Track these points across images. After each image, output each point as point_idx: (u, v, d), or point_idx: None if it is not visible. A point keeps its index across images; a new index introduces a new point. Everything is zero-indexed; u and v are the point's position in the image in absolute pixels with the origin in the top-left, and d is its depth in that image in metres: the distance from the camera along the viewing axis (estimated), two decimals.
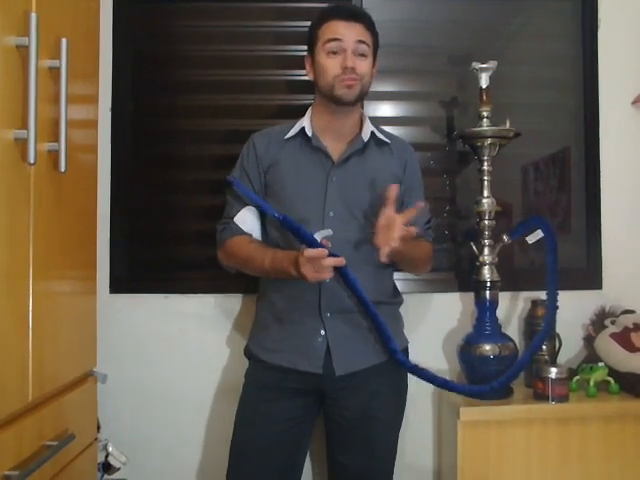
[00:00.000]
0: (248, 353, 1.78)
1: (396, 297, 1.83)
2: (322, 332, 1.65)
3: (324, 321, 1.65)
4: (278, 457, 1.68)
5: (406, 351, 1.80)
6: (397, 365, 1.67)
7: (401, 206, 1.74)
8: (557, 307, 1.86)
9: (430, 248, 1.81)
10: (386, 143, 1.76)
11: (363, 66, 1.65)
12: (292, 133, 1.73)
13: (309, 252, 1.48)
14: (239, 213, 1.72)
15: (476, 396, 1.80)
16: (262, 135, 1.77)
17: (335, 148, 1.72)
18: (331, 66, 1.64)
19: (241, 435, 1.71)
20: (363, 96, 1.69)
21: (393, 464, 1.77)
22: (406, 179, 1.77)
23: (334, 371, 1.65)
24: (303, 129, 1.72)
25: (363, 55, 1.65)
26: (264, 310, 1.77)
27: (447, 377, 1.69)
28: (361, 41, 1.64)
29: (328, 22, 1.66)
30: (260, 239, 1.75)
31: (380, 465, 1.73)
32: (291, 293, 1.67)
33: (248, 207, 1.73)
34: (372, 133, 1.74)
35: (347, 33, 1.63)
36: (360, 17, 1.67)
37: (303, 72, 1.79)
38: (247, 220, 1.73)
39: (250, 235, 1.72)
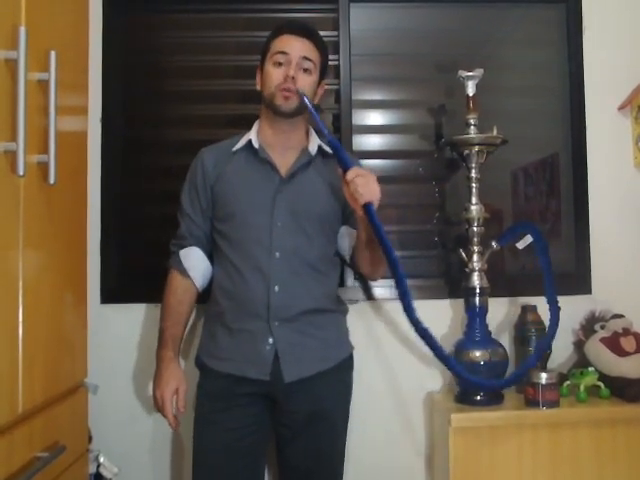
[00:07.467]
0: (199, 363, 1.80)
1: (340, 305, 1.86)
2: (270, 340, 1.68)
3: (272, 330, 1.68)
4: (237, 465, 1.70)
5: (351, 358, 1.83)
6: (409, 322, 1.63)
7: (343, 215, 1.80)
8: (559, 307, 1.89)
9: None
10: (332, 155, 1.77)
11: (304, 80, 1.71)
12: (239, 145, 1.78)
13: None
14: (187, 248, 1.80)
15: (471, 385, 1.85)
16: (210, 150, 1.82)
17: (282, 161, 1.76)
18: (274, 75, 1.70)
19: (199, 446, 1.73)
20: (302, 111, 1.72)
21: (342, 464, 1.80)
22: None
23: (283, 378, 1.67)
24: (250, 141, 1.76)
25: (307, 70, 1.71)
26: (213, 319, 1.79)
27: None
28: (307, 57, 1.71)
29: (281, 36, 1.73)
30: (201, 278, 1.81)
31: (329, 466, 1.76)
32: (240, 301, 1.71)
33: (195, 247, 1.80)
34: (319, 146, 1.79)
35: (295, 46, 1.70)
36: (310, 34, 1.74)
37: None
38: (191, 256, 1.80)
39: (187, 275, 1.79)
